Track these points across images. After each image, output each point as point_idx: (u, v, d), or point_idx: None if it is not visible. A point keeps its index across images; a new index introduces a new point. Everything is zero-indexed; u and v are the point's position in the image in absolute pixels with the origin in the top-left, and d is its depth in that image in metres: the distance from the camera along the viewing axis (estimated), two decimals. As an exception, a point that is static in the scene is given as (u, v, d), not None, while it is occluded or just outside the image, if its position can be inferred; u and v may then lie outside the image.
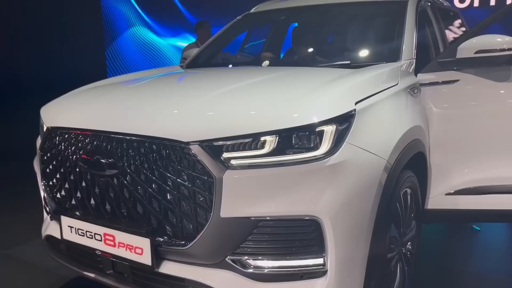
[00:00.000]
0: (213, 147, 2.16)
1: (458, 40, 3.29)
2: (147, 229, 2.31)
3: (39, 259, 3.84)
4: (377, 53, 3.50)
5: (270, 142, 2.15)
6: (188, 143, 2.17)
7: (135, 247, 2.34)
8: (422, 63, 3.36)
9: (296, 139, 2.18)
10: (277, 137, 2.15)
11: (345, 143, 2.23)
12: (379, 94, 2.65)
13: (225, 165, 2.14)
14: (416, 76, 3.24)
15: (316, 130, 2.18)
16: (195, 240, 2.21)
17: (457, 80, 3.22)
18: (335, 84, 2.57)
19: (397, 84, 2.91)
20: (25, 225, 4.67)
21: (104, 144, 2.41)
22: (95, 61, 12.40)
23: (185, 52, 5.29)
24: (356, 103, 2.39)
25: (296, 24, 4.60)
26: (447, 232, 4.51)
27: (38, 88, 10.15)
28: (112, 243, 2.43)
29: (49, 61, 11.62)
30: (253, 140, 2.16)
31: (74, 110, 2.76)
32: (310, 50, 3.90)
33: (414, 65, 3.29)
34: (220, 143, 2.16)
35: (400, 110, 2.82)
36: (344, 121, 2.27)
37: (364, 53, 3.59)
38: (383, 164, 2.39)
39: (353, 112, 2.34)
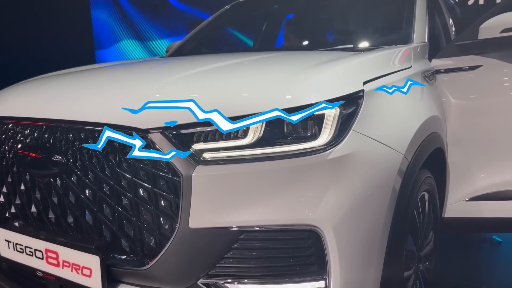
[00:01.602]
0: (179, 135, 1.66)
1: (479, 20, 2.81)
2: (97, 244, 1.79)
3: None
4: (385, 36, 3.00)
5: (255, 130, 1.65)
6: (146, 131, 1.67)
7: (82, 267, 1.82)
8: (434, 50, 2.88)
9: (288, 125, 1.68)
10: (264, 123, 1.65)
11: (351, 131, 1.74)
12: (391, 75, 2.16)
13: (196, 159, 1.64)
14: (430, 62, 2.75)
15: (315, 114, 1.68)
16: (157, 258, 1.69)
17: (479, 66, 2.73)
18: (337, 63, 2.08)
19: (411, 67, 2.42)
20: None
21: (46, 135, 1.90)
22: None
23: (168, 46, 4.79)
24: (364, 83, 1.90)
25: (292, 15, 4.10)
26: (463, 243, 3.99)
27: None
28: (55, 261, 1.91)
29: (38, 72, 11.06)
30: None
31: (14, 98, 2.24)
32: (308, 35, 3.40)
33: (427, 49, 2.80)
34: (189, 130, 1.66)
35: (416, 96, 2.33)
36: (350, 104, 1.78)
37: (370, 36, 3.09)
38: (400, 159, 1.90)
39: (361, 94, 1.84)
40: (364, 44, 2.98)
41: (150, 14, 9.91)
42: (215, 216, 1.64)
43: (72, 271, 1.85)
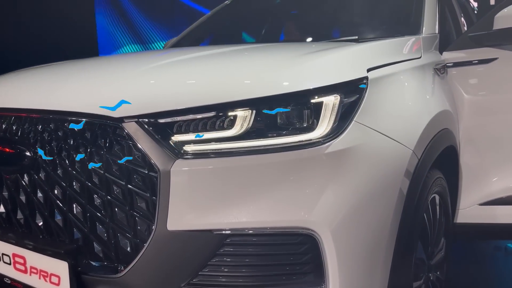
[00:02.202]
0: (157, 125, 1.46)
1: (494, 9, 2.59)
2: (67, 249, 1.59)
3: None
4: (393, 27, 2.79)
5: (243, 119, 1.46)
6: (120, 120, 1.47)
7: (50, 274, 1.62)
8: (445, 43, 2.67)
9: (281, 114, 1.48)
10: (253, 112, 1.45)
11: (353, 122, 1.54)
12: (399, 64, 1.97)
13: (175, 152, 1.44)
14: (441, 55, 2.54)
15: (311, 101, 1.48)
16: (132, 265, 1.49)
17: (495, 59, 2.52)
18: (337, 50, 1.88)
19: (420, 57, 2.21)
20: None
21: (13, 127, 1.72)
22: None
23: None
24: (368, 71, 1.70)
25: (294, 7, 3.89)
26: (476, 251, 3.75)
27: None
28: (22, 267, 1.71)
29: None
30: (217, 115, 1.46)
31: None
32: (311, 27, 3.20)
33: (438, 40, 2.59)
34: (168, 119, 1.46)
35: (426, 88, 2.12)
36: (352, 92, 1.58)
37: (377, 27, 2.87)
38: (408, 155, 1.69)
39: (365, 81, 1.64)
40: (370, 35, 2.78)
41: (154, 16, 9.70)
42: (197, 217, 1.44)
43: (40, 278, 1.66)
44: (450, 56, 2.56)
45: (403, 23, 2.75)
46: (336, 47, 1.94)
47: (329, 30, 3.16)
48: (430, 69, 2.26)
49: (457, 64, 2.56)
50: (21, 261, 1.71)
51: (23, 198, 1.71)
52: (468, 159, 2.54)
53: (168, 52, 2.59)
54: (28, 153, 1.64)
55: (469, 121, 2.53)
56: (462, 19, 3.44)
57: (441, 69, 2.42)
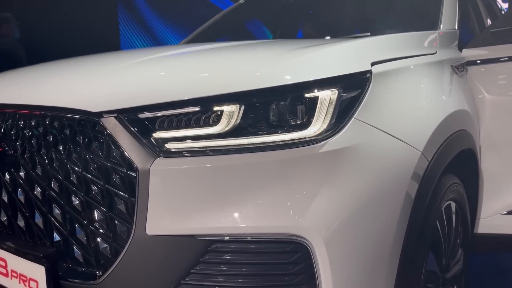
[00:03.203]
0: (137, 120, 1.36)
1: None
2: (46, 252, 1.49)
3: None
4: (410, 23, 2.64)
5: (229, 115, 1.34)
6: (99, 115, 1.37)
7: (28, 279, 1.53)
8: (465, 41, 2.50)
9: (272, 110, 1.35)
10: (241, 106, 1.33)
11: (353, 119, 1.41)
12: (409, 59, 1.82)
13: (156, 149, 1.33)
14: (461, 52, 2.38)
15: (306, 95, 1.35)
16: (110, 271, 1.38)
17: None
18: (338, 43, 1.74)
19: (435, 53, 2.05)
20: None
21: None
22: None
23: None
24: (373, 64, 1.56)
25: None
26: (496, 264, 3.53)
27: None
28: (4, 270, 1.63)
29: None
30: (202, 110, 1.35)
31: None
32: (325, 24, 3.07)
33: (457, 37, 2.42)
34: (149, 114, 1.36)
35: (440, 86, 1.96)
36: (352, 86, 1.45)
37: (392, 23, 2.72)
38: (417, 157, 1.54)
39: (368, 75, 1.50)
40: (388, 32, 2.63)
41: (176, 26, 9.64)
42: (178, 221, 1.32)
43: (20, 282, 1.57)
44: (470, 53, 2.39)
45: (420, 19, 2.62)
46: (339, 41, 1.81)
47: (345, 27, 3.02)
48: (447, 66, 2.10)
49: (477, 62, 2.40)
50: (3, 263, 1.62)
51: (4, 197, 1.63)
52: (489, 164, 2.36)
53: (158, 48, 2.50)
54: (8, 150, 1.56)
55: (491, 123, 2.35)
56: (488, 20, 3.26)
57: (459, 67, 2.25)
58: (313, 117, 1.35)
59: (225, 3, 8.53)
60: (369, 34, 2.52)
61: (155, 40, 9.69)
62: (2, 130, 1.61)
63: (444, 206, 1.83)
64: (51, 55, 2.14)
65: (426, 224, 1.61)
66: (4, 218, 1.68)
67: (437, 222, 1.76)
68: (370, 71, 1.51)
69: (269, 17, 3.84)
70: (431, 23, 2.40)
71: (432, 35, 2.16)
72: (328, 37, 3.07)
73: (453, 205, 1.95)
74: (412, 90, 1.73)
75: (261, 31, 4.02)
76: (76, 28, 8.49)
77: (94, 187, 1.40)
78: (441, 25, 2.37)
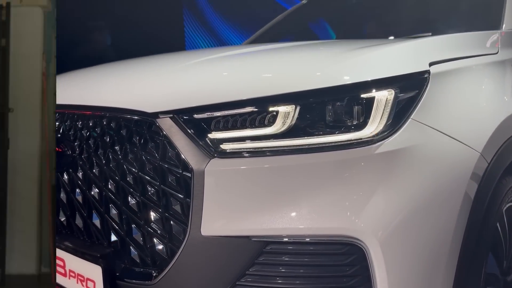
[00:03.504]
0: (193, 121, 1.37)
1: None
2: (103, 252, 1.52)
3: None
4: (470, 22, 2.57)
5: (285, 115, 1.33)
6: (155, 115, 1.39)
7: (86, 279, 1.56)
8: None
9: (328, 110, 1.34)
10: (297, 107, 1.33)
11: (410, 120, 1.37)
12: (469, 59, 1.77)
13: (211, 150, 1.34)
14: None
15: (362, 96, 1.33)
16: (165, 272, 1.39)
17: None
18: (396, 43, 1.72)
19: (497, 53, 2.00)
20: None
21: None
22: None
23: None
24: (431, 65, 1.52)
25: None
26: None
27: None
28: (62, 270, 1.67)
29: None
30: (258, 111, 1.35)
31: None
32: (383, 23, 3.03)
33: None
34: (204, 115, 1.37)
35: (501, 86, 1.90)
36: (410, 86, 1.42)
37: (452, 22, 2.67)
38: (475, 158, 1.49)
39: (426, 75, 1.47)
40: (449, 32, 2.58)
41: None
42: (233, 222, 1.32)
43: (77, 282, 1.60)
44: None
45: (482, 19, 2.54)
46: (397, 42, 1.78)
47: (408, 27, 2.97)
48: (508, 67, 2.03)
49: None
50: (61, 263, 1.67)
51: (63, 198, 1.68)
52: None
53: (217, 49, 2.52)
54: (66, 151, 1.60)
55: None
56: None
57: None
58: (369, 117, 1.33)
59: (292, 1, 8.46)
60: (430, 34, 2.48)
61: (219, 41, 9.79)
62: (61, 131, 1.66)
63: (505, 208, 1.76)
64: (119, 59, 2.20)
65: (485, 226, 1.56)
66: (63, 218, 1.73)
67: (498, 224, 1.70)
68: (428, 71, 1.48)
69: (332, 17, 3.80)
70: (493, 23, 2.34)
71: (493, 35, 2.10)
72: (391, 37, 3.03)
73: (515, 208, 1.88)
74: (471, 90, 1.68)
75: (325, 31, 3.98)
76: (143, 32, 8.72)
77: (150, 188, 1.42)
78: (503, 25, 2.31)
